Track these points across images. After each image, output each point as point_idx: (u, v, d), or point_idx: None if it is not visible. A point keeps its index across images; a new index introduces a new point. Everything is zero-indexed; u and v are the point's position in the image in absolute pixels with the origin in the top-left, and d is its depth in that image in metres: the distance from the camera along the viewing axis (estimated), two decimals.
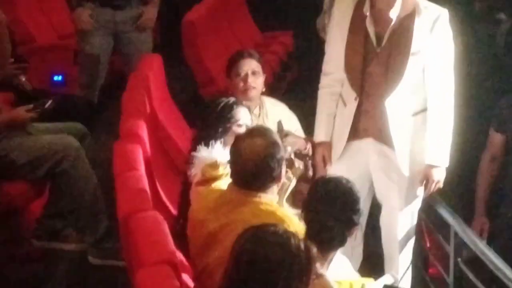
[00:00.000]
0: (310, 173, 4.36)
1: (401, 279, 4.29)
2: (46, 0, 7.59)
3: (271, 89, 4.90)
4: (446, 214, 4.42)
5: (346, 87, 4.25)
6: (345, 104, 4.26)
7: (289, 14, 8.40)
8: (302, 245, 2.65)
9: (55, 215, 4.71)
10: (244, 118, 4.09)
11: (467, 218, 4.71)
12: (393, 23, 4.09)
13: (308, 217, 3.35)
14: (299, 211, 3.55)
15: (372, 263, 4.42)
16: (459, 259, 4.32)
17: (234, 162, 3.41)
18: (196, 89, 6.70)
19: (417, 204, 4.33)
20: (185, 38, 6.67)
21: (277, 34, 8.19)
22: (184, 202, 3.96)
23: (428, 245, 4.79)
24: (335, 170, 4.18)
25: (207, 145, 3.84)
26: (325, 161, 4.32)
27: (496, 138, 5.02)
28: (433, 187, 4.20)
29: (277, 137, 3.44)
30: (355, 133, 4.25)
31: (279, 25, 8.28)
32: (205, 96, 6.58)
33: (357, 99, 4.18)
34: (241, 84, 4.68)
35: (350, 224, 3.34)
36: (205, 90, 6.60)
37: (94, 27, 6.13)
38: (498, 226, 5.01)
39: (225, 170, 3.63)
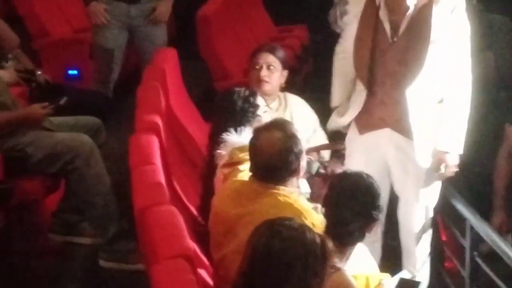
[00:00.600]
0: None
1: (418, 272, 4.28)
2: None
3: (286, 83, 4.91)
4: (462, 208, 4.40)
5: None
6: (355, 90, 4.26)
7: (304, 7, 8.35)
8: (317, 239, 2.66)
9: (70, 210, 4.73)
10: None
11: (485, 214, 4.68)
12: (410, 11, 4.07)
13: (328, 212, 3.34)
14: (316, 204, 3.54)
15: (391, 259, 4.41)
16: (475, 253, 4.30)
17: (252, 155, 3.40)
18: (211, 83, 6.69)
19: (434, 197, 4.31)
20: (200, 33, 6.66)
21: (291, 27, 8.15)
22: (206, 188, 3.98)
23: (444, 238, 4.77)
24: (352, 164, 4.17)
25: (235, 130, 3.84)
26: None
27: None
28: (448, 172, 4.16)
29: (295, 130, 3.42)
30: (370, 123, 4.23)
31: (294, 18, 8.24)
32: (220, 90, 6.56)
33: (365, 91, 4.16)
34: (255, 76, 4.76)
35: (369, 220, 3.33)
36: (220, 84, 6.58)
37: (108, 21, 6.14)
38: None
39: None
